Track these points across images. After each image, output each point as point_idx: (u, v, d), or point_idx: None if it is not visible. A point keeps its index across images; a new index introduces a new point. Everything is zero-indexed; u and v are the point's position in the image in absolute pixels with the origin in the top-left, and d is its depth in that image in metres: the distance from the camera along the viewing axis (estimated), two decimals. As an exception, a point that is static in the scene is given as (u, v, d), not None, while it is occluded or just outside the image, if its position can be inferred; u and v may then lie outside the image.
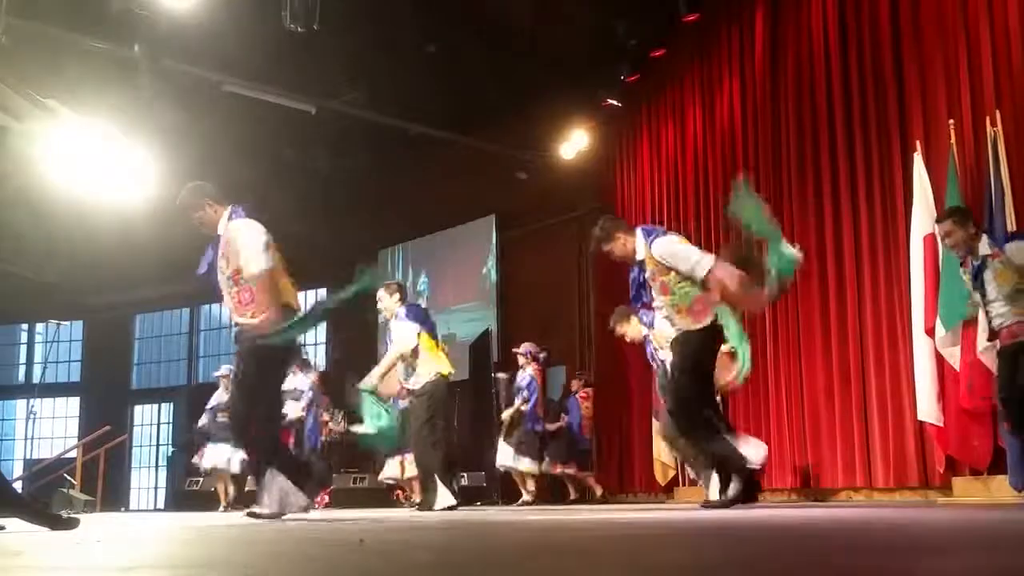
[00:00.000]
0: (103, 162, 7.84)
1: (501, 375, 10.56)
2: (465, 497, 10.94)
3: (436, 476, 7.08)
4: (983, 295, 5.60)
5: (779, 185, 8.97)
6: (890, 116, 7.83)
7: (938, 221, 6.02)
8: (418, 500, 10.33)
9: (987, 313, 5.62)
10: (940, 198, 6.91)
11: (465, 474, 11.23)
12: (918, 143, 7.27)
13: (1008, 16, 6.81)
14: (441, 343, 7.52)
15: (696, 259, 5.56)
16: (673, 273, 5.55)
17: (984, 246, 5.58)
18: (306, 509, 5.24)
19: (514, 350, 10.18)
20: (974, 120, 6.98)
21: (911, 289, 7.00)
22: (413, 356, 7.21)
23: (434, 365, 7.20)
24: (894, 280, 7.55)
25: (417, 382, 7.19)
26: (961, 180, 6.83)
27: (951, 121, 7.06)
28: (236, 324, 5.38)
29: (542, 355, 10.18)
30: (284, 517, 5.08)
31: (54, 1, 8.96)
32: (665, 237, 5.70)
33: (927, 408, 6.82)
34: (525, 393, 9.94)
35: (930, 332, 6.71)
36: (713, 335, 5.64)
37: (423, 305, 8.95)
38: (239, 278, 5.20)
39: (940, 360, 6.75)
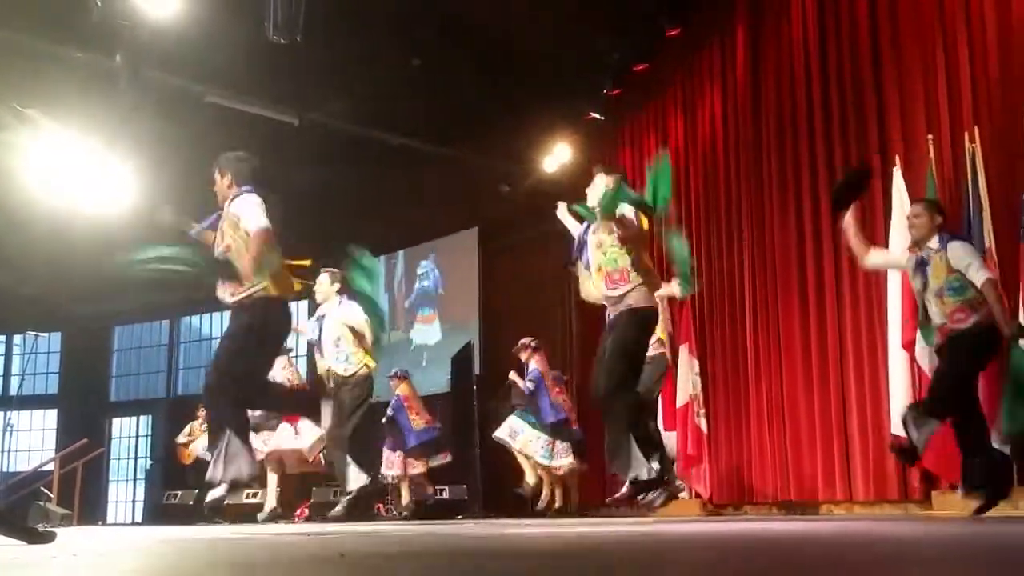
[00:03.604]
0: (83, 172, 7.80)
1: (515, 380, 9.99)
2: (446, 511, 10.94)
3: (348, 458, 7.19)
4: (924, 286, 5.69)
5: (760, 198, 9.03)
6: (869, 131, 7.90)
7: (912, 203, 6.12)
8: (403, 509, 10.34)
9: (924, 304, 5.73)
10: (919, 213, 6.97)
11: (447, 488, 11.20)
12: (897, 158, 7.33)
13: (986, 32, 6.89)
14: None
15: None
16: (610, 235, 5.54)
17: (934, 241, 5.67)
18: (253, 478, 5.28)
19: (513, 350, 9.79)
20: (952, 135, 7.05)
21: (889, 304, 7.05)
22: (357, 342, 7.34)
23: (366, 357, 7.37)
24: (873, 294, 7.60)
25: (349, 369, 7.35)
26: (940, 195, 6.88)
27: (930, 136, 7.12)
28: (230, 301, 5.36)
29: (533, 342, 9.78)
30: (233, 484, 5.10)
31: (34, 11, 8.92)
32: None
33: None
34: (531, 386, 9.46)
35: (907, 346, 6.75)
36: (654, 319, 5.69)
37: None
38: (229, 254, 5.22)
39: (915, 375, 6.80)
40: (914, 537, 3.45)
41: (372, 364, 7.49)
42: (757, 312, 8.96)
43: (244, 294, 5.24)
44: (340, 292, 7.69)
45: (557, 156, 11.61)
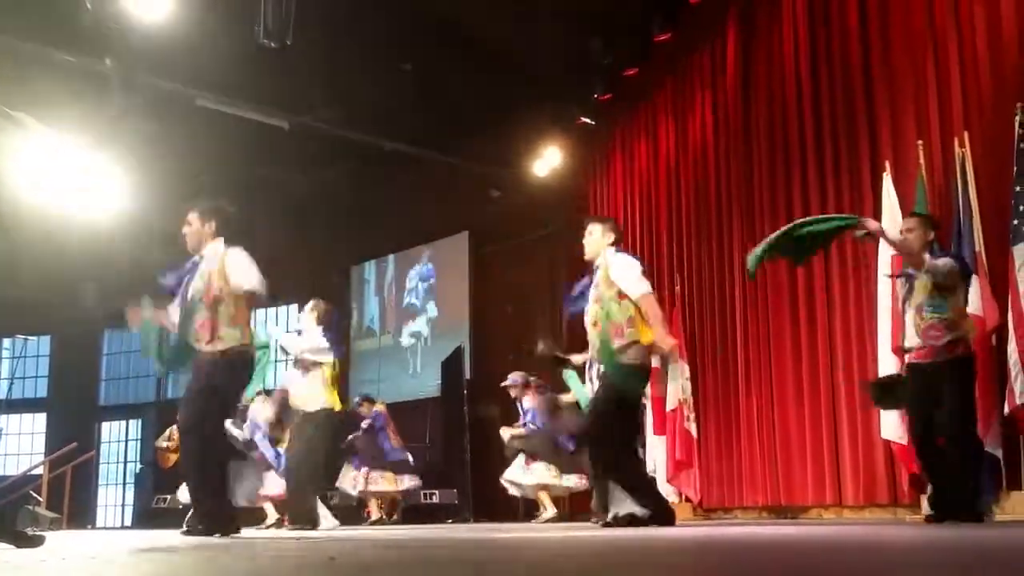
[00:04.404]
0: (73, 176, 7.78)
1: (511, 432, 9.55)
2: (436, 515, 10.95)
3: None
4: (911, 302, 5.69)
5: (750, 203, 9.04)
6: (860, 136, 7.93)
7: (905, 218, 6.10)
8: (383, 518, 10.34)
9: (914, 321, 5.69)
10: (909, 218, 7.00)
11: (436, 492, 11.20)
12: (887, 163, 7.36)
13: (976, 38, 6.92)
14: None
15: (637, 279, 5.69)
16: (611, 289, 5.63)
17: (926, 259, 5.67)
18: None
19: (503, 385, 9.54)
20: (942, 141, 7.07)
21: (879, 308, 7.07)
22: (331, 383, 7.35)
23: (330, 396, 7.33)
24: (863, 299, 7.62)
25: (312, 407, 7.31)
26: (930, 200, 6.92)
27: (920, 142, 7.15)
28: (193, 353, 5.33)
29: (531, 379, 9.52)
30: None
31: (25, 14, 8.89)
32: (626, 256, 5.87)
33: (891, 426, 6.88)
34: (528, 419, 9.28)
35: (897, 351, 6.76)
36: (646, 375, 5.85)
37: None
38: (212, 302, 5.22)
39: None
40: (903, 541, 3.46)
41: (338, 406, 7.45)
42: (747, 316, 8.97)
43: (225, 347, 5.22)
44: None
45: (548, 160, 11.62)
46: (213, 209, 5.46)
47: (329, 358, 7.30)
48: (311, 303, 7.54)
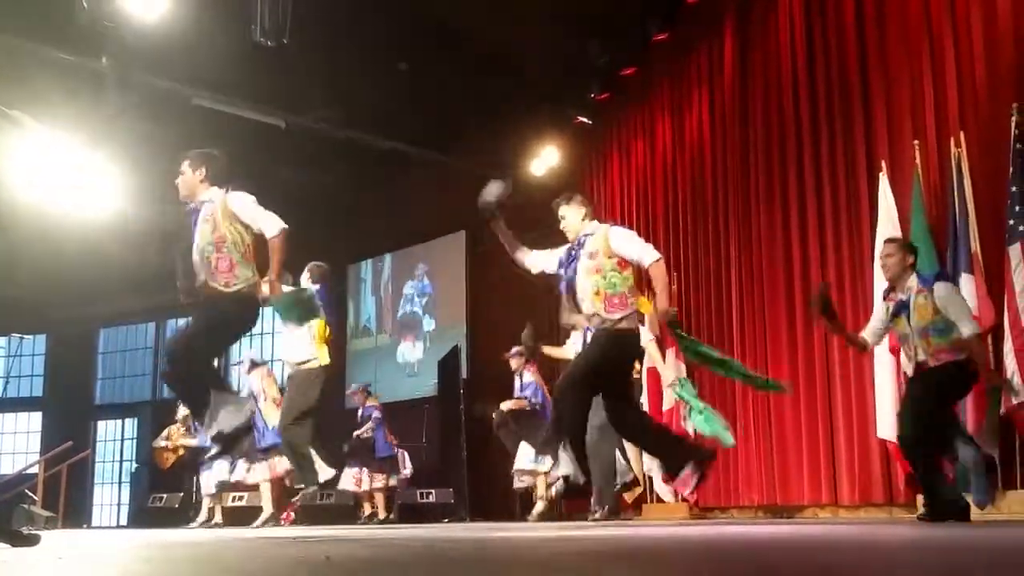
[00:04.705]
0: (69, 174, 7.77)
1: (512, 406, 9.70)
2: (433, 514, 10.93)
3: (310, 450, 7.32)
4: (909, 328, 5.69)
5: (747, 203, 9.06)
6: (856, 136, 7.94)
7: (884, 243, 6.14)
8: (376, 515, 10.34)
9: (911, 347, 5.72)
10: (905, 217, 7.02)
11: (433, 491, 11.19)
12: (883, 163, 7.37)
13: (972, 38, 6.93)
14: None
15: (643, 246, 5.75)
16: (611, 260, 5.65)
17: (913, 281, 5.69)
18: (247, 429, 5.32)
19: (506, 355, 9.45)
20: (938, 141, 7.08)
21: (875, 307, 7.07)
22: (321, 339, 7.46)
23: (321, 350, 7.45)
24: (860, 298, 7.63)
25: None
26: (926, 200, 6.93)
27: (916, 142, 7.16)
28: (205, 291, 5.35)
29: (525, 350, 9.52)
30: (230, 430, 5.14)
31: (20, 12, 8.88)
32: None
33: (887, 426, 6.88)
34: (528, 393, 9.15)
35: (894, 350, 6.78)
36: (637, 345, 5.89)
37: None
38: (223, 245, 5.26)
39: (901, 379, 6.82)
40: (897, 541, 3.47)
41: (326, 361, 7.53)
42: (744, 315, 8.98)
43: (240, 285, 5.26)
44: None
45: (545, 160, 11.62)
46: (203, 156, 5.54)
47: (319, 314, 7.33)
48: (308, 265, 7.67)
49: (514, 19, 10.14)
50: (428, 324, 14.15)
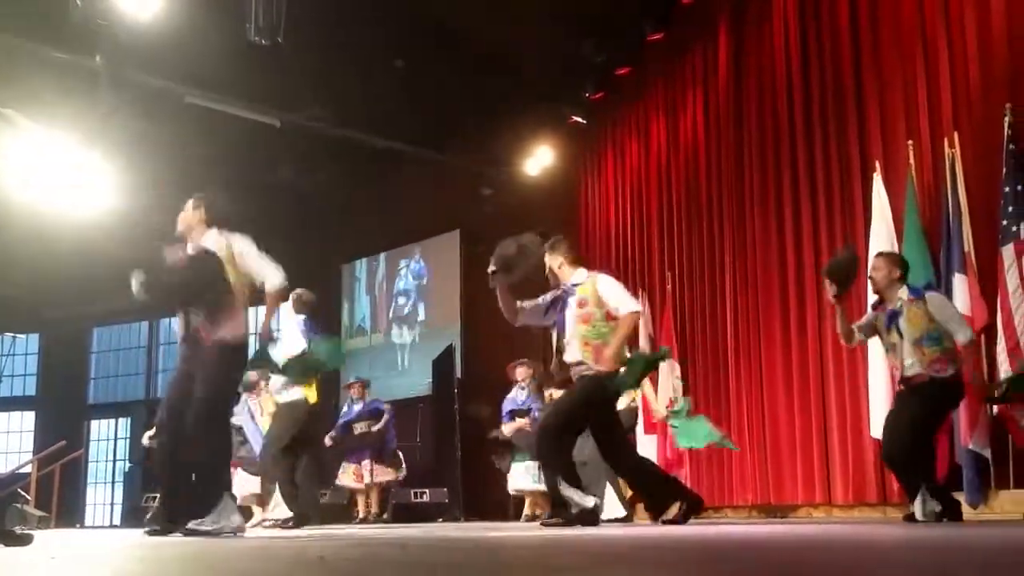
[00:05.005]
0: (62, 173, 7.76)
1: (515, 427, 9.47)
2: (427, 513, 10.94)
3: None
4: (900, 338, 5.69)
5: (741, 203, 9.06)
6: (850, 136, 7.94)
7: (874, 257, 6.17)
8: (370, 515, 10.33)
9: (900, 359, 5.71)
10: (899, 218, 7.03)
11: (427, 490, 11.19)
12: (877, 164, 7.38)
13: (966, 39, 6.94)
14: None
15: (629, 297, 5.93)
16: (600, 309, 5.76)
17: (903, 293, 5.70)
18: (241, 530, 5.19)
19: (512, 365, 9.49)
20: (932, 142, 7.09)
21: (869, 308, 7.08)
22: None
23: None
24: (854, 298, 7.63)
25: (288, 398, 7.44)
26: (919, 200, 6.94)
27: (910, 142, 7.17)
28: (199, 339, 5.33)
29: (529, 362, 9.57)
30: (220, 534, 4.97)
31: (14, 11, 8.85)
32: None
33: (881, 426, 6.88)
34: (536, 407, 9.14)
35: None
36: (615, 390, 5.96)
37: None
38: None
39: (894, 379, 6.82)
40: (889, 540, 3.47)
41: (313, 399, 7.48)
42: (738, 316, 8.99)
43: (240, 334, 5.24)
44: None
45: (539, 159, 11.62)
46: (207, 198, 5.50)
47: (321, 369, 7.36)
48: (292, 295, 7.56)
49: (509, 18, 10.14)
50: (421, 314, 14.14)
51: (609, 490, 7.91)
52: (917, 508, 5.55)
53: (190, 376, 5.22)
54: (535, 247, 5.87)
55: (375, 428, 10.12)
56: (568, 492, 5.60)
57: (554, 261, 5.98)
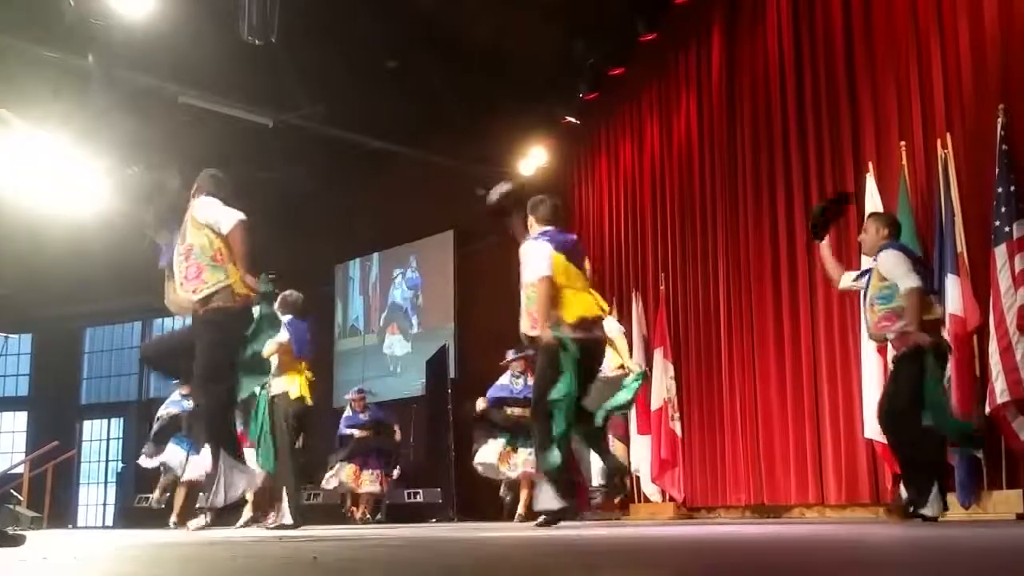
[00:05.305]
0: (54, 173, 7.73)
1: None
2: (421, 514, 10.93)
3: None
4: (865, 294, 5.82)
5: (735, 203, 9.07)
6: (843, 137, 7.96)
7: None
8: (367, 516, 10.34)
9: (867, 316, 5.84)
10: (892, 218, 7.03)
11: (420, 491, 11.18)
12: (870, 164, 7.39)
13: (959, 40, 6.95)
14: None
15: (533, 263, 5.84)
16: (527, 276, 5.83)
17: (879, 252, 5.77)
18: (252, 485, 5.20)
19: (505, 362, 9.39)
20: (925, 142, 7.10)
21: (862, 306, 7.09)
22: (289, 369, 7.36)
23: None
24: (846, 299, 7.64)
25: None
26: (912, 201, 6.96)
27: (902, 143, 7.18)
28: (177, 299, 5.32)
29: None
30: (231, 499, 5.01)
31: (6, 10, 8.83)
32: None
33: (875, 426, 6.89)
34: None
35: (880, 350, 6.80)
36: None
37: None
38: (190, 253, 5.19)
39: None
40: (881, 540, 3.48)
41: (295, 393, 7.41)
42: (732, 315, 8.99)
43: (209, 290, 5.14)
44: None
45: (533, 159, 11.62)
46: (204, 176, 5.58)
47: (273, 346, 7.20)
48: (280, 296, 7.55)
49: (502, 18, 10.15)
50: (415, 321, 14.13)
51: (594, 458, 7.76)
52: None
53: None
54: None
55: (365, 434, 10.28)
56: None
57: (520, 219, 5.98)
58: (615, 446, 8.48)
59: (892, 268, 5.58)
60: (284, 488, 7.28)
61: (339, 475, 10.26)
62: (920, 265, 5.82)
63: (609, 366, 7.16)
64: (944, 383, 5.80)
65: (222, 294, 5.16)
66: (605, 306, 6.01)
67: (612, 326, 7.52)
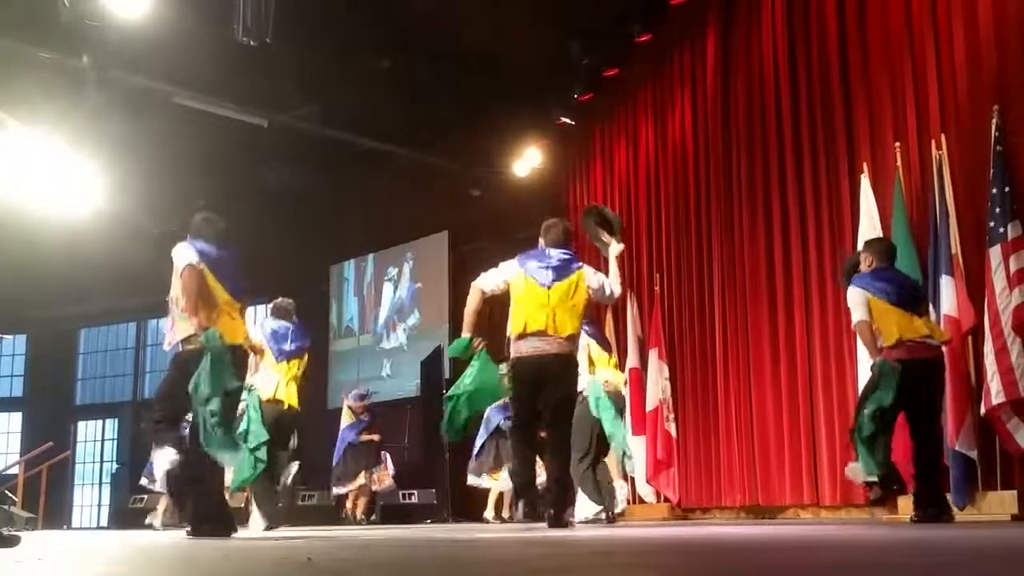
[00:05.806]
0: (50, 173, 7.72)
1: None
2: (415, 515, 10.91)
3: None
4: None
5: (729, 205, 9.07)
6: (838, 138, 7.96)
7: None
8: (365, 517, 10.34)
9: None
10: (886, 220, 7.04)
11: (415, 492, 11.17)
12: (865, 165, 7.40)
13: (953, 41, 6.96)
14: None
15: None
16: None
17: None
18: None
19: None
20: (920, 143, 7.11)
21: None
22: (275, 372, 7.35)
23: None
24: (841, 300, 7.64)
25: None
26: (907, 202, 6.96)
27: (897, 144, 7.19)
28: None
29: None
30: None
31: (0, 11, 8.82)
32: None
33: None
34: None
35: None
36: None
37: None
38: (170, 304, 5.25)
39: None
40: (880, 540, 3.48)
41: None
42: (726, 316, 9.00)
43: (179, 339, 5.15)
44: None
45: (528, 160, 11.62)
46: (194, 221, 5.48)
47: (254, 342, 7.17)
48: (271, 303, 7.62)
49: (497, 19, 10.15)
50: (411, 321, 14.12)
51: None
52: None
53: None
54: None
55: (374, 438, 10.38)
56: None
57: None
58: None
59: (849, 303, 5.96)
60: (253, 494, 7.31)
61: (354, 482, 10.30)
62: (894, 284, 5.90)
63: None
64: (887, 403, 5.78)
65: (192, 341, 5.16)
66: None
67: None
